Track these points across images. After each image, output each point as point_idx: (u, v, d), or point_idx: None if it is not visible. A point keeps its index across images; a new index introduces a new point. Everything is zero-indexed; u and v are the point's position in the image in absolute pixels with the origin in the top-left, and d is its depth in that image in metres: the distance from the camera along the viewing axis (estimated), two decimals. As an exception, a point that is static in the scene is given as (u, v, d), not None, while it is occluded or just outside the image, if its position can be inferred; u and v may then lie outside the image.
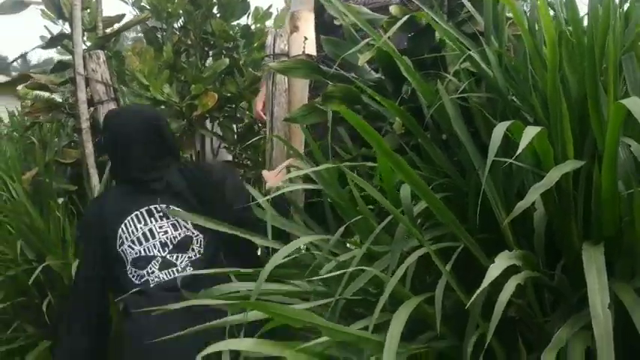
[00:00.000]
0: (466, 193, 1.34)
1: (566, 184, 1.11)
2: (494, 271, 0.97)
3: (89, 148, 2.77)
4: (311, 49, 2.11)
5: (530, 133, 0.91)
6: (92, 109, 2.83)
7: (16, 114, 3.73)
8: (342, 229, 1.29)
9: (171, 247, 1.71)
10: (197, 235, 1.73)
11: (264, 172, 1.91)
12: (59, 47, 3.02)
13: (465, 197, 1.34)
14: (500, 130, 0.97)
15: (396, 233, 1.26)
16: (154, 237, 1.71)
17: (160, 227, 1.73)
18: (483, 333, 1.12)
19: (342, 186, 1.50)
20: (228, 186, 1.80)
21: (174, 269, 1.67)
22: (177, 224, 1.73)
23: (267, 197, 1.57)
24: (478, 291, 0.97)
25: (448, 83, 1.49)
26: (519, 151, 0.89)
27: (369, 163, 1.50)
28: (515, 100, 1.38)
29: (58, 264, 2.28)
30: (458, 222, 1.19)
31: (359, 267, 1.15)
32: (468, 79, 1.47)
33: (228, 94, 3.18)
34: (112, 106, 2.86)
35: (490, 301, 1.27)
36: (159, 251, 1.70)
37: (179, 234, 1.72)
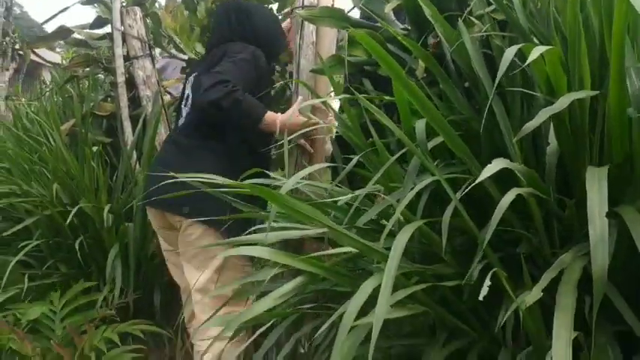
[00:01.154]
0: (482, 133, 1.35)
1: (581, 116, 1.11)
2: (508, 196, 0.99)
3: (124, 101, 2.87)
4: (340, 3, 2.13)
5: (538, 49, 0.92)
6: (128, 64, 2.92)
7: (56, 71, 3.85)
8: (355, 160, 1.32)
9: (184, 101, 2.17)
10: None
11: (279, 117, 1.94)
12: (96, 4, 3.10)
13: (480, 138, 1.35)
14: (511, 51, 0.99)
15: (409, 167, 1.29)
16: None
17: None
18: (491, 267, 1.14)
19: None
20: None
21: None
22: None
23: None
24: (492, 224, 0.98)
25: (472, 27, 1.49)
26: (527, 62, 0.90)
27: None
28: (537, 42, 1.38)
29: (90, 207, 2.38)
30: (472, 155, 1.21)
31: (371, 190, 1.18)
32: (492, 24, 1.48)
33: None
34: (147, 62, 2.95)
35: (500, 238, 1.30)
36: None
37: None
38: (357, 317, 1.12)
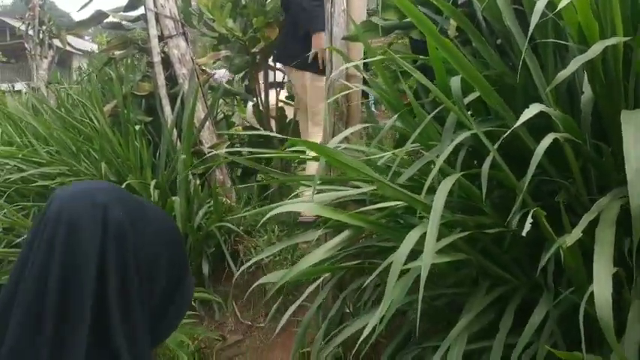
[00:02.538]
0: (515, 88, 1.38)
1: (614, 63, 1.13)
2: (546, 140, 1.02)
3: (161, 80, 2.95)
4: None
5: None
6: (162, 43, 3.00)
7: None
8: (393, 119, 1.36)
9: None
10: None
11: None
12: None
13: (514, 93, 1.38)
14: (542, 2, 1.01)
15: (447, 123, 1.33)
16: None
17: None
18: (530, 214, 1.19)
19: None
20: None
21: None
22: None
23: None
24: (530, 168, 1.02)
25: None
26: (558, 9, 0.93)
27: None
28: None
29: (137, 184, 2.49)
30: (507, 108, 1.24)
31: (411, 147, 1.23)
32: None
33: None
34: (181, 40, 3.02)
35: (539, 189, 1.33)
36: None
37: None
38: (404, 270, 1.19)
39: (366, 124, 1.55)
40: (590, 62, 1.08)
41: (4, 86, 5.66)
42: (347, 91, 1.63)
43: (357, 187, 1.34)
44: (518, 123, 0.97)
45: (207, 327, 2.37)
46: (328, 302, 2.22)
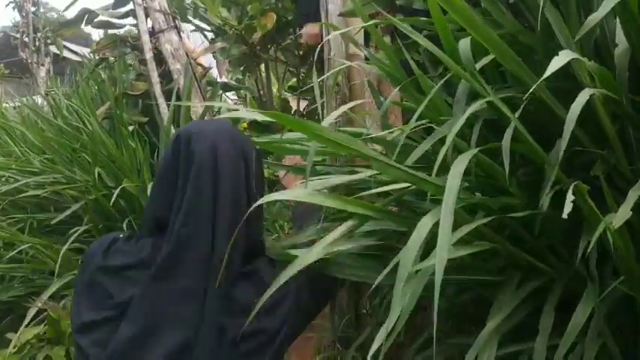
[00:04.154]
0: (535, 49, 1.20)
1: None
2: (582, 96, 0.84)
3: (155, 77, 2.80)
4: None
5: None
6: (154, 39, 2.85)
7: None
8: (395, 91, 1.19)
9: None
10: None
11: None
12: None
13: (534, 54, 1.20)
14: None
15: (457, 93, 1.15)
16: None
17: None
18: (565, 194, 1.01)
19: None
20: None
21: None
22: None
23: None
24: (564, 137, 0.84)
25: None
26: None
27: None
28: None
29: (134, 187, 2.35)
30: (528, 70, 1.06)
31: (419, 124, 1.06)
32: None
33: (289, 18, 3.09)
34: (173, 34, 2.87)
35: (570, 162, 1.15)
36: None
37: None
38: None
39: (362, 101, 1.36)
40: (623, 4, 0.90)
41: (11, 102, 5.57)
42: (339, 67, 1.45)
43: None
44: (549, 72, 0.79)
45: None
46: (342, 302, 2.06)
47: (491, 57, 1.12)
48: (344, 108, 1.15)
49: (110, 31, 3.06)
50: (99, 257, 1.05)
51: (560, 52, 0.84)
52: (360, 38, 1.99)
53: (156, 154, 2.69)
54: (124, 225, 2.25)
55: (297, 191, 0.96)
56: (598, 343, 0.94)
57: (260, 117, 1.11)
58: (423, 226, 0.85)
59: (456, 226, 0.88)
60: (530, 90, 0.93)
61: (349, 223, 0.96)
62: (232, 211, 0.99)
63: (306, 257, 0.90)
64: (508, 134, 0.99)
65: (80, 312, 1.02)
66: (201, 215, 0.98)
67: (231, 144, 1.04)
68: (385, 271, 0.98)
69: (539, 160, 1.09)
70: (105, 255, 1.05)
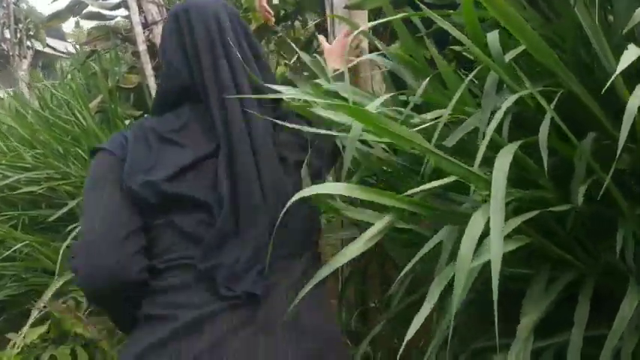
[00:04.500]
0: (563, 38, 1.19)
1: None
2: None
3: (148, 70, 2.74)
4: None
5: None
6: (147, 31, 2.79)
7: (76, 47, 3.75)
8: (424, 84, 1.17)
9: None
10: None
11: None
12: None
13: (563, 43, 1.19)
14: None
15: (486, 85, 1.14)
16: None
17: None
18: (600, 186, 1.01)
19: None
20: None
21: None
22: None
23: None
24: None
25: None
26: None
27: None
28: None
29: (133, 182, 2.29)
30: (561, 63, 1.05)
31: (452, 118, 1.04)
32: None
33: (287, 10, 3.05)
34: (167, 26, 2.80)
35: (598, 157, 1.14)
36: None
37: None
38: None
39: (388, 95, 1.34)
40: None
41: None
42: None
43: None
44: (621, 68, 0.78)
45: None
46: (350, 296, 2.04)
47: (521, 48, 1.11)
48: (386, 96, 1.12)
49: (100, 23, 2.98)
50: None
51: (628, 47, 0.83)
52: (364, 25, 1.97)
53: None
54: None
55: (335, 185, 0.93)
56: (637, 337, 0.94)
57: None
58: (477, 221, 0.83)
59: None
60: (614, 76, 0.92)
61: (387, 219, 0.94)
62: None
63: (349, 252, 0.88)
64: (545, 127, 0.98)
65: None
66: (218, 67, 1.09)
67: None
68: (413, 261, 0.96)
69: (568, 153, 1.09)
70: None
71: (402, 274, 0.96)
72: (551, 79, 1.13)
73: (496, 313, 0.72)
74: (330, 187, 0.93)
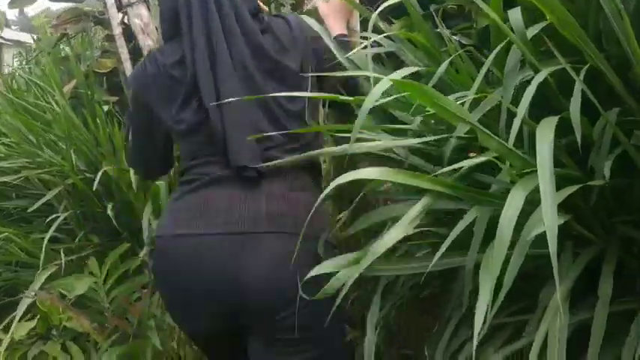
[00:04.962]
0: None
1: None
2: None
3: (124, 54, 2.63)
4: None
5: None
6: (122, 13, 2.67)
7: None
8: (445, 64, 1.14)
9: None
10: None
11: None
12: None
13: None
14: None
15: (508, 61, 1.12)
16: None
17: None
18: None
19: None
20: None
21: None
22: None
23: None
24: None
25: None
26: None
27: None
28: None
29: (115, 170, 2.20)
30: (587, 38, 1.04)
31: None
32: None
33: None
34: (142, 8, 2.69)
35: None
36: None
37: None
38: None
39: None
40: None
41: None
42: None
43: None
44: None
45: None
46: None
47: (544, 23, 1.10)
48: (413, 69, 1.08)
49: (69, 5, 2.85)
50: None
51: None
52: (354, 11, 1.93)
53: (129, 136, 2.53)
54: (109, 211, 2.10)
55: (368, 170, 0.90)
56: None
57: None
58: (518, 195, 0.81)
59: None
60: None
61: (425, 202, 0.91)
62: None
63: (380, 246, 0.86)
64: (576, 101, 0.97)
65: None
66: None
67: None
68: (448, 242, 0.94)
69: (588, 130, 1.08)
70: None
71: (436, 256, 0.94)
72: (572, 57, 1.12)
73: (558, 286, 0.69)
74: (366, 172, 0.90)
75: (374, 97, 1.01)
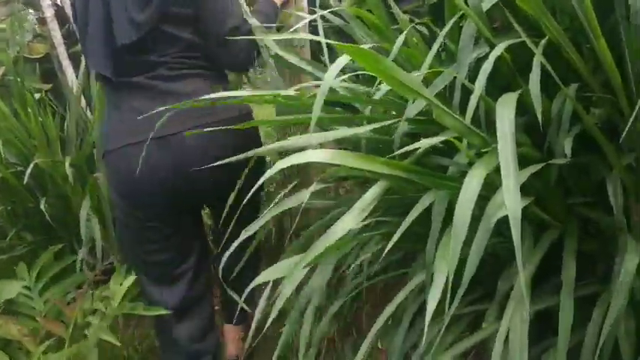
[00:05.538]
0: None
1: None
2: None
3: (57, 38, 2.46)
4: None
5: None
6: (53, -5, 2.50)
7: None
8: (400, 39, 1.07)
9: None
10: None
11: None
12: None
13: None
14: None
15: (462, 39, 1.06)
16: None
17: None
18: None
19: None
20: None
21: None
22: None
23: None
24: None
25: None
26: None
27: None
28: None
29: (48, 163, 2.05)
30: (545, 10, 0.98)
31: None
32: None
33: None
34: (76, -11, 2.53)
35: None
36: None
37: None
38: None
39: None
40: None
41: None
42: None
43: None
44: None
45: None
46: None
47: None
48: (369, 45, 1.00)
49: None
50: None
51: None
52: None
53: (65, 126, 2.37)
54: (42, 206, 1.95)
55: (317, 153, 0.81)
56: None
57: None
58: (475, 177, 0.75)
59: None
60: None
61: (378, 187, 0.84)
62: None
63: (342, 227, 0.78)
64: (536, 74, 0.92)
65: None
66: None
67: None
68: (397, 234, 0.87)
69: (547, 106, 1.04)
70: None
71: (389, 245, 0.87)
72: (529, 32, 1.07)
73: (522, 277, 0.63)
74: (308, 155, 0.81)
75: (337, 68, 0.93)
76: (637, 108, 0.93)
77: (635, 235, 0.90)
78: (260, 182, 0.87)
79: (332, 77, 0.92)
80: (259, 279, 0.97)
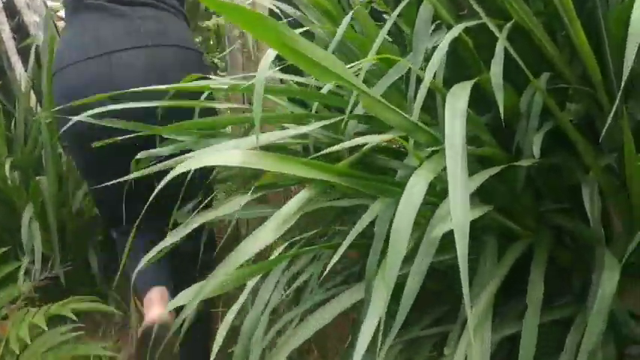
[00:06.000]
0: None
1: None
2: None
3: (6, 32, 2.31)
4: None
5: None
6: (2, -15, 2.34)
7: None
8: (342, 26, 0.93)
9: None
10: None
11: None
12: None
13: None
14: None
15: (417, 22, 0.92)
16: None
17: None
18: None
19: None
20: None
21: None
22: None
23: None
24: None
25: None
26: None
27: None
28: None
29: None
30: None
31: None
32: None
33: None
34: (26, -21, 2.37)
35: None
36: None
37: None
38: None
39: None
40: None
41: None
42: None
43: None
44: None
45: (103, 337, 1.87)
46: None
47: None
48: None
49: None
50: None
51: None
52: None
53: (13, 124, 2.21)
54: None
55: (228, 155, 0.67)
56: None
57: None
58: (418, 184, 0.61)
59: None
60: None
61: (302, 196, 0.69)
62: None
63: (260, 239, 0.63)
64: (498, 61, 0.78)
65: None
66: None
67: None
68: (344, 246, 0.74)
69: (513, 100, 0.90)
70: None
71: (334, 258, 0.73)
72: (494, 17, 0.94)
73: (468, 298, 0.50)
74: (217, 158, 0.67)
75: (268, 60, 0.79)
76: (617, 102, 0.80)
77: (615, 249, 0.76)
78: (154, 194, 0.71)
79: (265, 69, 0.78)
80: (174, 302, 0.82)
